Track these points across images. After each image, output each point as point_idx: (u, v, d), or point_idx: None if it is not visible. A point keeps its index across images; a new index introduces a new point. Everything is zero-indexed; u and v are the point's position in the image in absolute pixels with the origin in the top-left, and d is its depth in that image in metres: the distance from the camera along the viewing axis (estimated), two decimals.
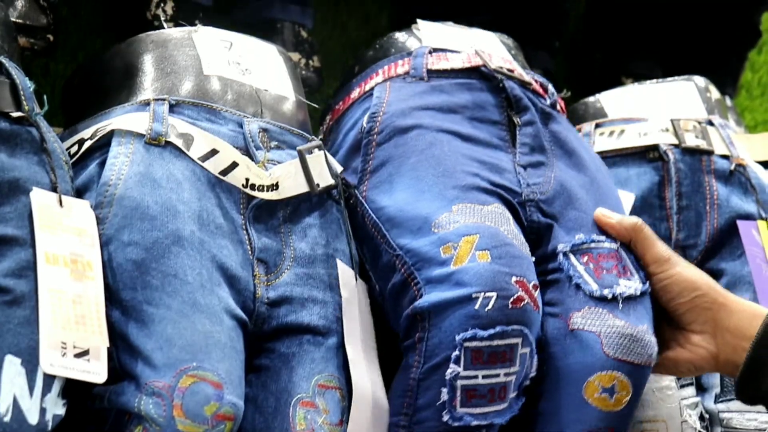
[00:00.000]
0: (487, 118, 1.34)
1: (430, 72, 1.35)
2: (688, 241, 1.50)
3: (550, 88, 1.42)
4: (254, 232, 1.18)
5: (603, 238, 1.29)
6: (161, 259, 1.09)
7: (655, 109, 1.56)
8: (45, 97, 1.11)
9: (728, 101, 1.89)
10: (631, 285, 1.26)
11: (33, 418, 0.98)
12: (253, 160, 1.20)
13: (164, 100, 1.18)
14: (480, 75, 1.36)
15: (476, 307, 1.15)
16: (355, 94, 1.38)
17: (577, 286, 1.26)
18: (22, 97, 1.08)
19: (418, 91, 1.33)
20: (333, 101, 1.45)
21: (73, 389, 1.04)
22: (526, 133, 1.35)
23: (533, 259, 1.23)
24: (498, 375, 1.17)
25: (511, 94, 1.36)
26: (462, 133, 1.30)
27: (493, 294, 1.15)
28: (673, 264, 1.27)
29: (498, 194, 1.26)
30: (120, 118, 1.16)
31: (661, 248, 1.28)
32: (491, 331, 1.15)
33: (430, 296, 1.18)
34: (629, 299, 1.25)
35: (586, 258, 1.28)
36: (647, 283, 1.27)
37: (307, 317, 1.18)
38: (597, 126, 1.55)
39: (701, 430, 1.42)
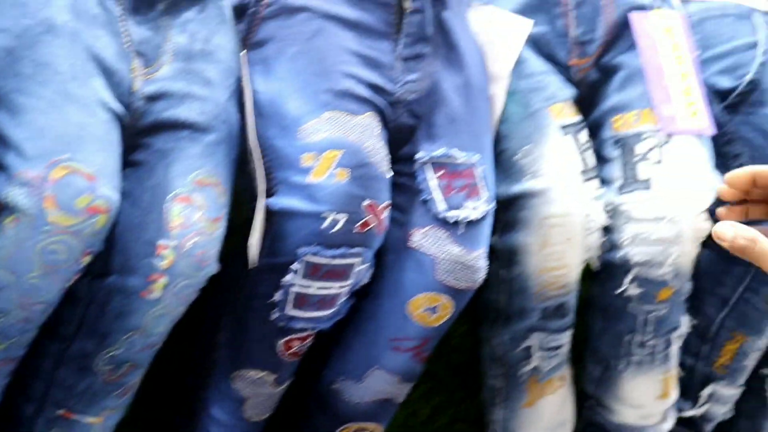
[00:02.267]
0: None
1: None
2: (585, 36, 1.48)
3: None
4: (132, 23, 1.13)
5: (462, 154, 1.30)
6: (33, 48, 1.05)
7: None
8: None
9: None
10: (477, 208, 1.30)
11: None
12: None
13: None
14: None
15: (324, 225, 1.16)
16: None
17: (425, 202, 1.29)
18: None
19: None
20: None
21: None
22: (412, 22, 1.31)
23: (389, 175, 1.23)
24: (331, 288, 1.20)
25: None
26: (349, 19, 1.26)
27: (343, 217, 1.17)
28: None
29: (371, 102, 1.25)
30: None
31: None
32: (334, 252, 1.17)
33: (283, 201, 1.18)
34: (471, 222, 1.29)
35: (441, 172, 1.30)
36: (492, 203, 1.32)
37: (185, 113, 1.15)
38: None
39: (604, 221, 1.43)
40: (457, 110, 1.33)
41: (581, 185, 1.41)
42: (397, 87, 1.28)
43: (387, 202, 1.22)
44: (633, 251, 1.42)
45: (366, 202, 1.19)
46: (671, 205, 1.41)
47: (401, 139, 1.31)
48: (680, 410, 1.62)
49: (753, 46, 1.56)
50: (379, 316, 1.32)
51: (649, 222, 1.42)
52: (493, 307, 1.48)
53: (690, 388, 1.64)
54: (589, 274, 1.49)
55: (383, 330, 1.32)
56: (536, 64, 1.46)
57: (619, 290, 1.45)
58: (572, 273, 1.43)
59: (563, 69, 1.48)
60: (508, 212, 1.41)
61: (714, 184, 1.45)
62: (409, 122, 1.30)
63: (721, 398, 1.63)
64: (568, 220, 1.39)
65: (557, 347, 1.48)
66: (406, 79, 1.29)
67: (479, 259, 1.30)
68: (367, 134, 1.22)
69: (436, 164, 1.30)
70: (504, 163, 1.41)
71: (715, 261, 1.59)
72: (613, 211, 1.44)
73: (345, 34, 1.26)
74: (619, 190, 1.45)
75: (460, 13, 1.39)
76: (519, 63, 1.43)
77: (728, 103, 1.55)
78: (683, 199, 1.41)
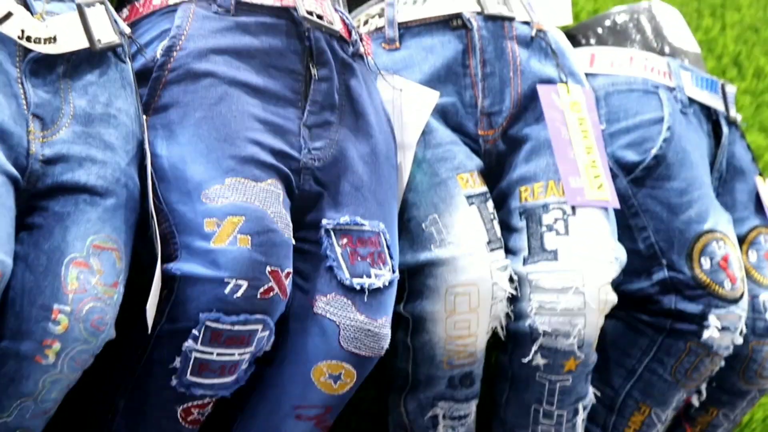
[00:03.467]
0: (284, 66, 1.30)
1: (238, 4, 1.29)
2: (493, 108, 1.50)
3: (354, 34, 1.38)
4: (30, 86, 1.12)
5: (366, 222, 1.31)
6: None
7: None
8: None
9: None
10: (381, 276, 1.29)
11: None
12: (29, 11, 1.13)
13: None
14: (289, 17, 1.31)
15: (226, 291, 1.15)
16: (158, 1, 1.30)
17: (330, 269, 1.28)
18: None
19: (221, 28, 1.27)
20: None
21: None
22: (319, 90, 1.31)
23: (292, 241, 1.23)
24: (233, 355, 1.19)
25: (314, 46, 1.31)
26: (254, 86, 1.26)
27: (245, 283, 1.16)
28: None
29: (275, 168, 1.24)
30: None
31: None
32: (234, 318, 1.16)
33: (184, 266, 1.17)
34: (376, 290, 1.29)
35: (345, 240, 1.30)
36: (396, 272, 1.32)
37: (84, 176, 1.13)
38: None
39: (511, 290, 1.44)
40: (362, 178, 1.34)
41: (487, 255, 1.42)
42: (303, 154, 1.28)
43: (290, 269, 1.21)
44: (539, 321, 1.43)
45: (269, 269, 1.18)
46: (577, 277, 1.43)
47: (306, 206, 1.30)
48: None
49: (659, 121, 1.60)
50: (283, 383, 1.30)
51: (555, 292, 1.43)
52: (400, 374, 1.48)
53: None
54: (496, 344, 1.50)
55: (287, 397, 1.30)
56: (444, 134, 1.47)
57: (526, 359, 1.45)
58: (479, 342, 1.43)
59: (471, 139, 1.50)
60: (415, 280, 1.41)
61: (618, 255, 1.47)
62: (314, 189, 1.30)
63: None
64: (475, 289, 1.40)
65: (464, 416, 1.48)
66: (311, 147, 1.29)
67: (383, 327, 1.29)
68: (270, 201, 1.21)
69: (341, 232, 1.30)
70: (411, 231, 1.42)
71: (621, 332, 1.61)
72: (519, 281, 1.45)
73: (250, 100, 1.26)
74: (526, 260, 1.46)
75: (368, 82, 1.40)
76: (427, 133, 1.44)
77: (634, 176, 1.58)
78: (589, 270, 1.43)
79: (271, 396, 1.31)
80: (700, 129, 1.66)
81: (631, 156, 1.58)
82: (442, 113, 1.47)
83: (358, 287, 1.28)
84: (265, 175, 1.22)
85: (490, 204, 1.47)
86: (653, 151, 1.58)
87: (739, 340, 1.57)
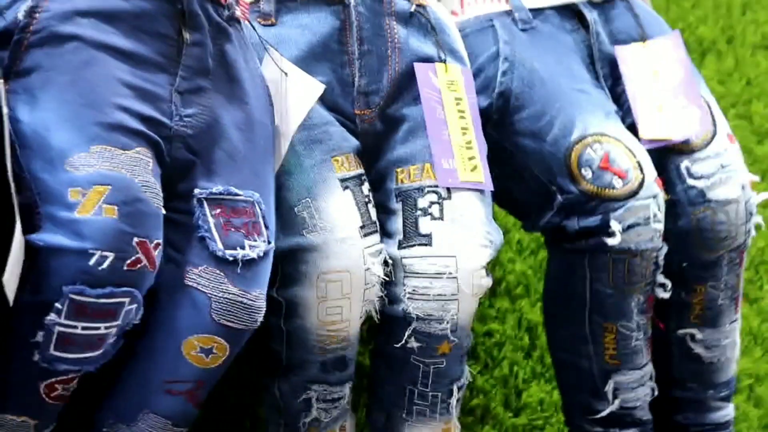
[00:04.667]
0: (155, 30, 1.24)
1: None
2: (370, 87, 1.46)
3: None
4: None
5: (240, 192, 1.28)
6: None
7: None
8: None
9: None
10: (256, 247, 1.27)
11: None
12: None
13: None
14: None
15: (90, 263, 1.11)
16: None
17: (202, 239, 1.25)
18: None
19: None
20: None
21: None
22: (192, 54, 1.27)
23: (162, 211, 1.19)
24: (98, 328, 1.16)
25: (186, 9, 1.27)
26: (123, 49, 1.21)
27: (111, 255, 1.12)
28: None
29: (143, 135, 1.20)
30: None
31: None
32: (100, 291, 1.12)
33: (47, 237, 1.12)
34: (250, 262, 1.26)
35: (219, 210, 1.27)
36: (272, 243, 1.29)
37: None
38: None
39: (384, 276, 1.42)
40: (237, 146, 1.30)
41: (360, 240, 1.39)
42: (174, 121, 1.24)
43: (159, 240, 1.18)
44: (412, 306, 1.42)
45: (136, 240, 1.14)
46: (450, 262, 1.41)
47: (178, 175, 1.26)
48: (598, 412, 1.64)
49: (495, 57, 1.58)
50: (153, 357, 1.28)
51: (429, 278, 1.42)
52: (273, 356, 1.46)
53: (596, 388, 1.65)
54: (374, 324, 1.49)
55: (157, 371, 1.28)
56: (320, 114, 1.43)
57: (400, 343, 1.44)
58: (352, 327, 1.41)
59: (347, 119, 1.46)
60: (287, 265, 1.39)
61: (493, 239, 1.46)
62: (186, 157, 1.26)
63: (626, 386, 1.64)
64: (347, 275, 1.38)
65: (338, 399, 1.47)
66: (183, 113, 1.25)
67: (257, 300, 1.27)
68: (138, 169, 1.17)
69: (214, 201, 1.27)
70: (283, 216, 1.39)
71: (560, 268, 1.63)
72: (394, 265, 1.43)
73: (118, 65, 1.21)
74: (401, 244, 1.44)
75: (243, 47, 1.35)
76: None
77: (493, 121, 1.56)
78: (462, 256, 1.41)
79: (140, 370, 1.29)
80: (558, 33, 1.63)
81: (482, 102, 1.56)
82: None
83: (231, 258, 1.25)
84: (133, 142, 1.18)
85: (366, 187, 1.44)
86: (496, 91, 1.56)
87: (659, 227, 1.55)
